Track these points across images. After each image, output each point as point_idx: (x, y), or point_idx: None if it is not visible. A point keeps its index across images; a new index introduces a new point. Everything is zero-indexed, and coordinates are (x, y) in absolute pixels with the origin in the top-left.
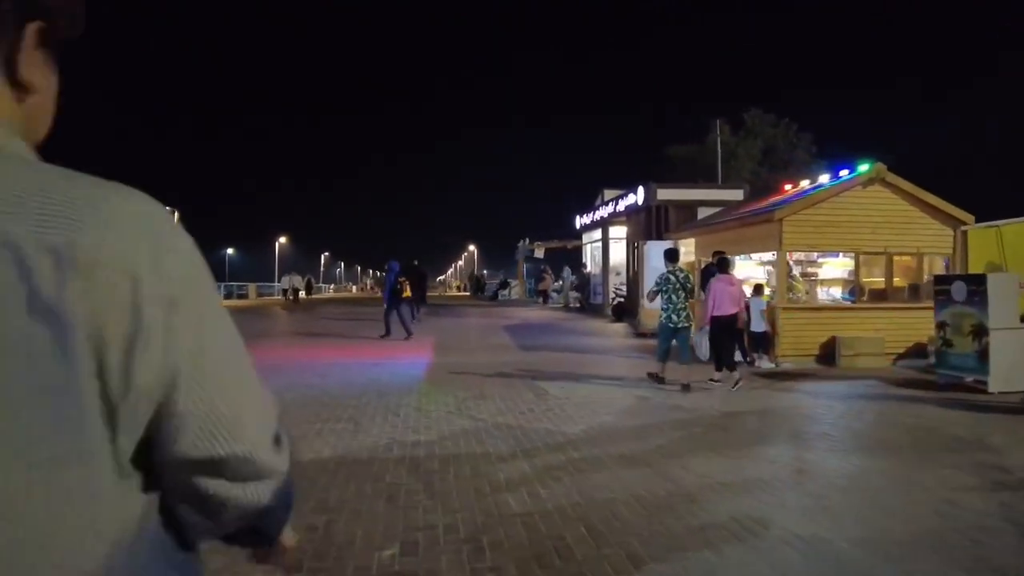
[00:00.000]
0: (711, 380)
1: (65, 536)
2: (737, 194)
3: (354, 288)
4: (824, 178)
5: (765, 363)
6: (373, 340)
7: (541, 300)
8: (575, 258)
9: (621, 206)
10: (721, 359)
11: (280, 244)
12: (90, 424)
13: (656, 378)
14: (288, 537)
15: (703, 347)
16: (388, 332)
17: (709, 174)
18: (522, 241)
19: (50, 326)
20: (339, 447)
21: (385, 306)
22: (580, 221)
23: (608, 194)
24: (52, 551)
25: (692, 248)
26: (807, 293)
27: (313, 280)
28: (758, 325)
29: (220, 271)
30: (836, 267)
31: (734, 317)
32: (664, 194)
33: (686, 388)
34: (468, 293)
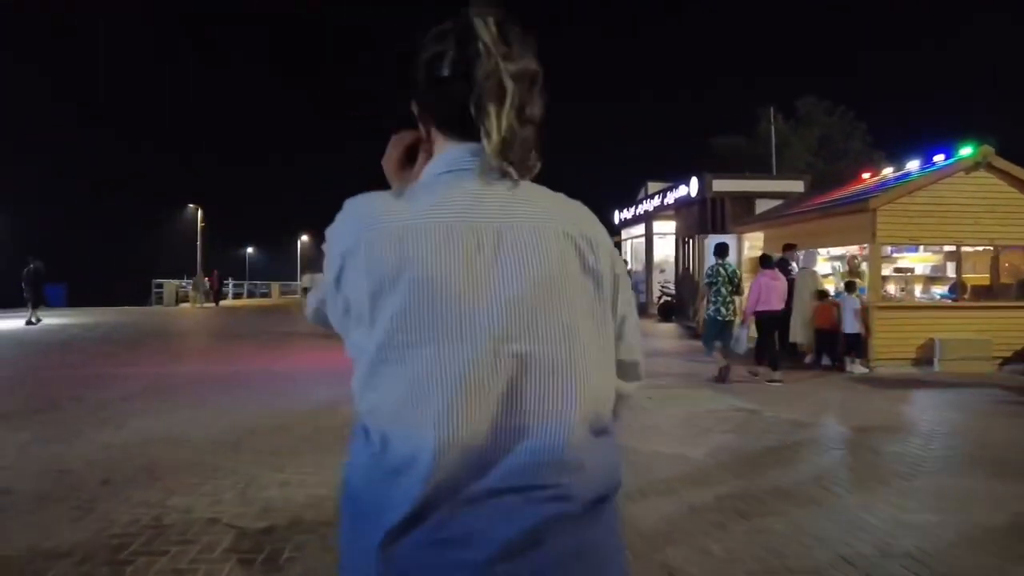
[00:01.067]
0: (771, 381)
1: (608, 392)
2: (797, 185)
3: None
4: (913, 164)
5: (858, 368)
6: None
7: None
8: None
9: (670, 199)
10: (768, 356)
11: (302, 242)
12: (610, 330)
13: (720, 375)
14: None
15: (742, 342)
16: None
17: (758, 166)
18: None
19: (592, 278)
20: None
21: None
22: (619, 216)
23: (652, 187)
24: (607, 403)
25: (759, 242)
26: (903, 291)
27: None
28: (851, 326)
29: (240, 270)
30: (913, 261)
31: (779, 313)
32: (720, 185)
33: (722, 379)
34: None
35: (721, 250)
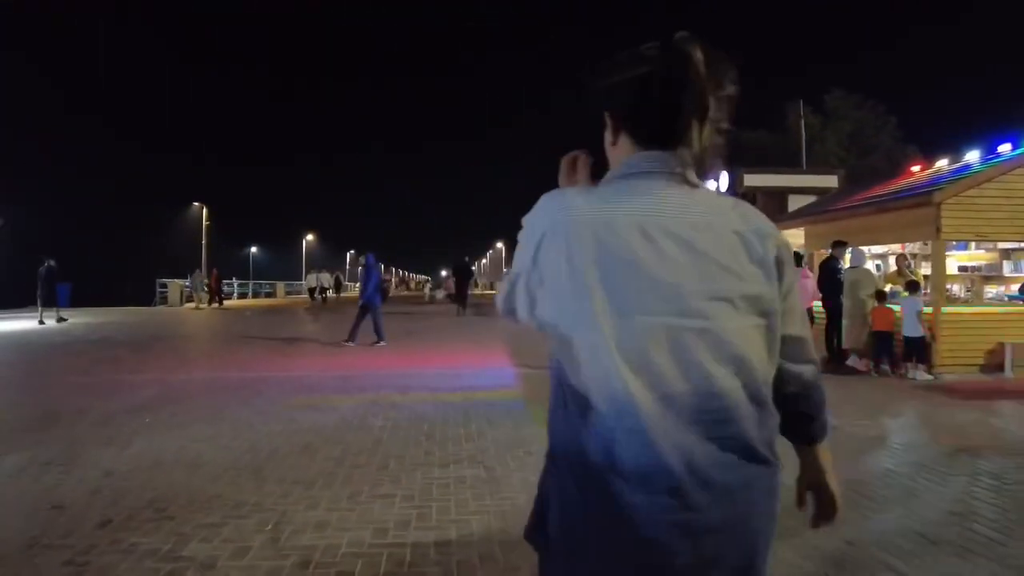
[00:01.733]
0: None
1: (768, 368)
2: (830, 180)
3: None
4: (973, 156)
5: (921, 374)
6: (439, 345)
7: None
8: None
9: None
10: None
11: (307, 241)
12: (775, 308)
13: None
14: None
15: None
16: (381, 337)
17: (785, 161)
18: None
19: (761, 266)
20: (486, 504)
21: (363, 304)
22: None
23: None
24: (767, 375)
25: (799, 239)
26: (970, 291)
27: (342, 277)
28: (914, 329)
29: (244, 269)
30: (961, 259)
31: (808, 312)
32: (752, 180)
33: None
34: (495, 292)
35: None
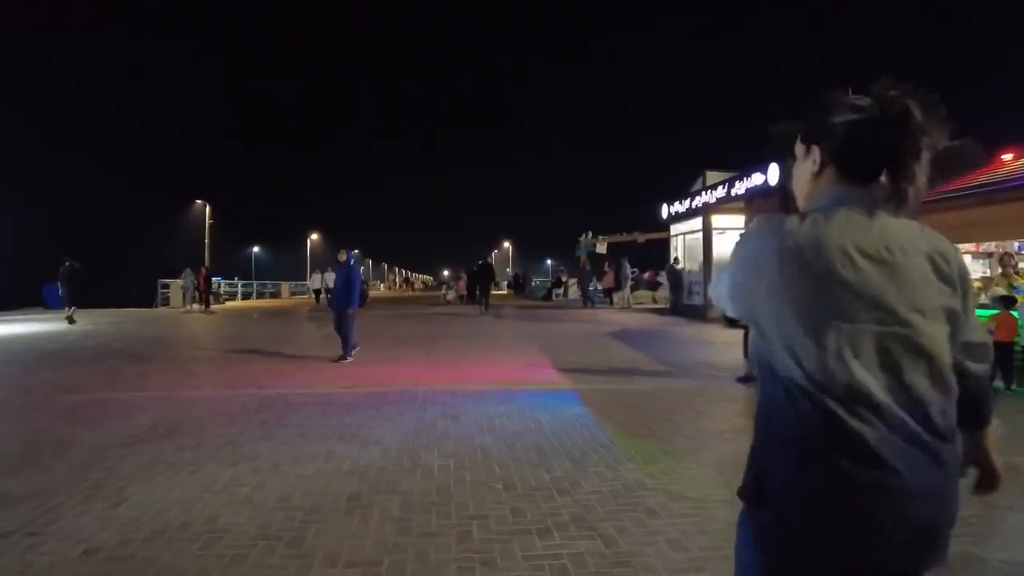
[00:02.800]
0: None
1: (950, 366)
2: None
3: (382, 286)
4: None
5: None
6: (473, 352)
7: (608, 301)
8: (652, 252)
9: (740, 188)
10: None
11: (312, 241)
12: (959, 318)
13: (747, 379)
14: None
15: None
16: (351, 347)
17: None
18: (584, 235)
19: (947, 282)
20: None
21: (339, 310)
22: (669, 210)
23: (712, 177)
24: (950, 373)
25: None
26: None
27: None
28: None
29: (247, 269)
30: None
31: None
32: None
33: (746, 380)
34: (506, 292)
35: None
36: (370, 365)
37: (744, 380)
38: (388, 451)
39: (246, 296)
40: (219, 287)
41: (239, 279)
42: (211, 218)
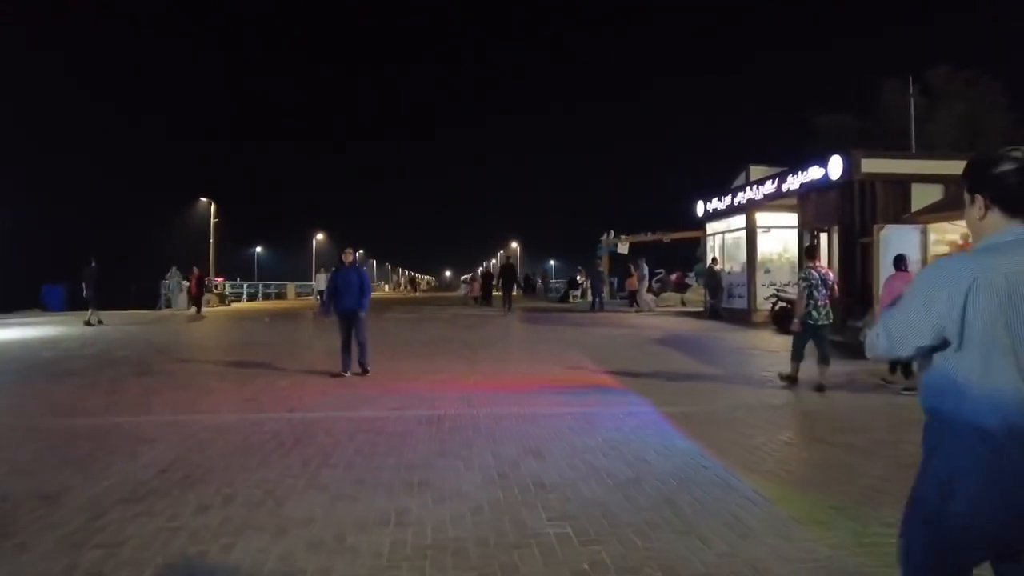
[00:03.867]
0: (906, 390)
1: None
2: (957, 166)
3: (386, 287)
4: None
5: None
6: (517, 359)
7: (631, 304)
8: (680, 252)
9: (792, 184)
10: (902, 361)
11: (317, 241)
12: None
13: (789, 379)
14: None
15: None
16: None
17: (873, 147)
18: (606, 235)
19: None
20: None
21: (350, 315)
22: (705, 207)
23: (756, 172)
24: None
25: (952, 235)
26: None
27: None
28: None
29: (248, 269)
30: None
31: None
32: (870, 166)
33: (820, 389)
34: (515, 293)
35: (811, 252)
36: (410, 379)
37: (786, 379)
38: (478, 510)
39: (251, 297)
40: (224, 288)
41: (240, 280)
42: (216, 216)
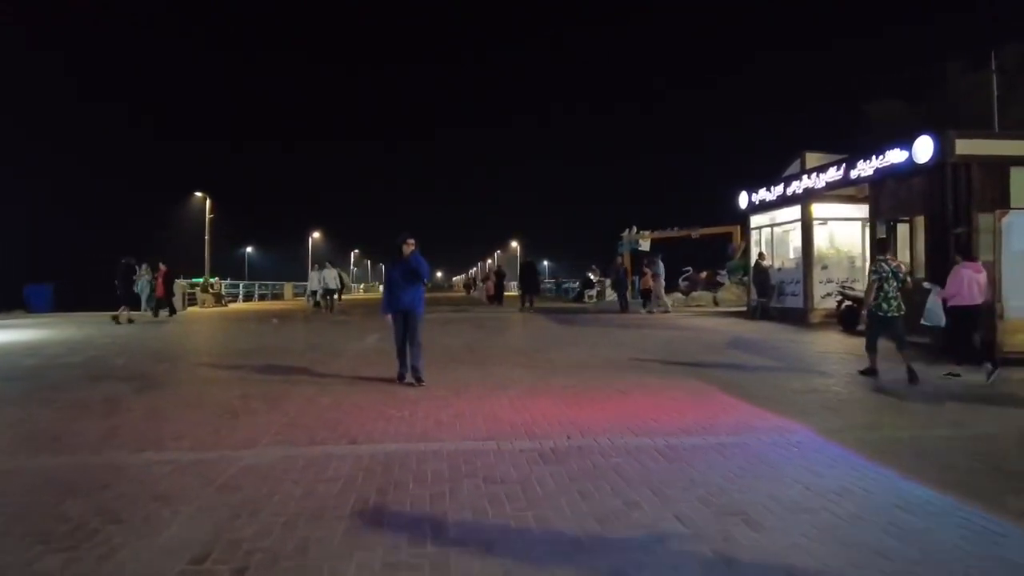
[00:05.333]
0: (950, 374)
1: None
2: None
3: (381, 288)
4: None
5: None
6: (579, 371)
7: (644, 304)
8: (711, 248)
9: (864, 169)
10: (963, 350)
11: (314, 239)
12: None
13: (869, 372)
14: None
15: (937, 313)
16: (408, 375)
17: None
18: (627, 230)
19: None
20: None
21: (407, 314)
22: (750, 198)
23: (811, 159)
24: None
25: None
26: None
27: (346, 276)
28: None
29: (240, 270)
30: None
31: (978, 308)
32: (966, 147)
33: (912, 375)
34: (515, 293)
35: (882, 246)
36: (474, 393)
37: (867, 373)
38: None
39: (247, 297)
40: (220, 287)
41: (230, 279)
42: (211, 212)
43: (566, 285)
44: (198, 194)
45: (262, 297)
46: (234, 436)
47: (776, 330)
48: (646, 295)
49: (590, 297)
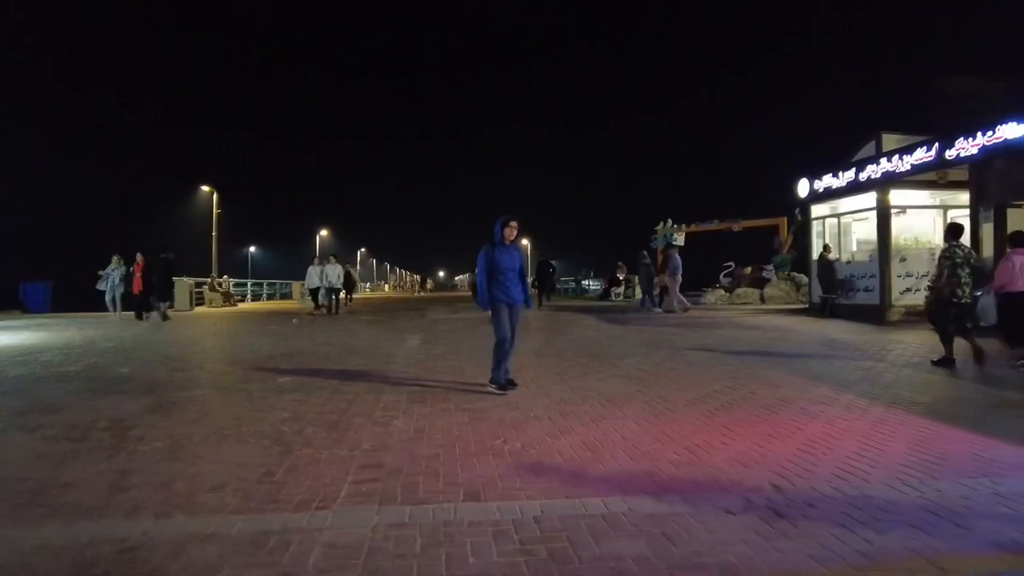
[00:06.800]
0: (1019, 363)
1: None
2: None
3: (386, 286)
4: None
5: None
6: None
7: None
8: (758, 241)
9: (966, 148)
10: (1014, 338)
11: (321, 237)
12: None
13: (945, 362)
14: None
15: (990, 310)
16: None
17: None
18: (662, 223)
19: None
20: None
21: (515, 307)
22: (813, 186)
23: (889, 141)
24: None
25: None
26: None
27: (354, 272)
28: None
29: (243, 268)
30: None
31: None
32: None
33: (979, 355)
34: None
35: (955, 231)
36: (586, 412)
37: (941, 364)
38: None
39: (256, 296)
40: (228, 286)
41: (230, 277)
42: (218, 207)
43: (585, 283)
44: (204, 188)
45: (270, 297)
46: (297, 485)
47: (858, 330)
48: (660, 292)
49: (617, 295)
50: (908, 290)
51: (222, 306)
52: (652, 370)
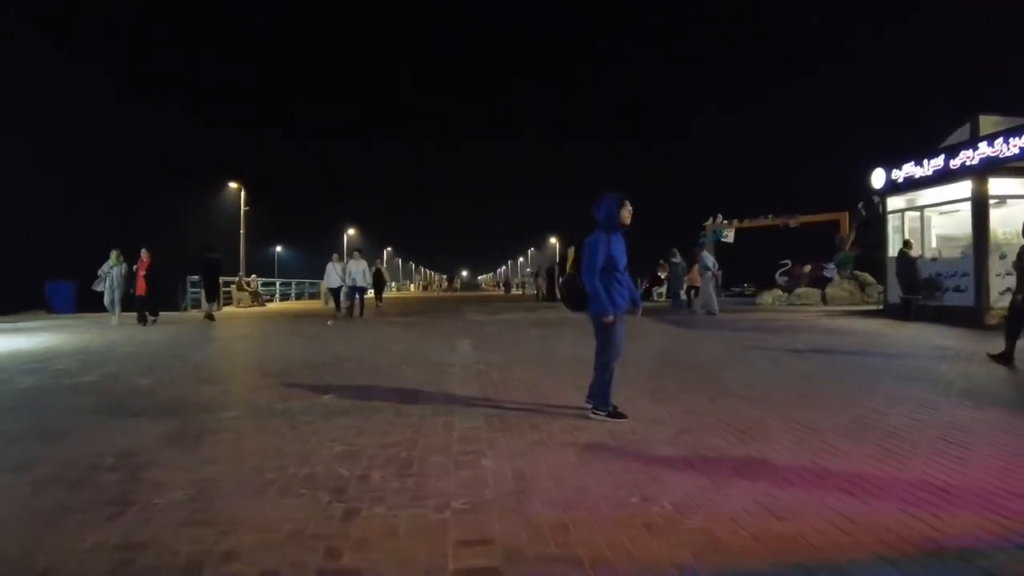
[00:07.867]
0: None
1: None
2: None
3: (411, 286)
4: None
5: None
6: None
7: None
8: (816, 237)
9: None
10: None
11: (348, 236)
12: None
13: (1003, 358)
14: None
15: None
16: (606, 403)
17: None
18: (711, 218)
19: None
20: None
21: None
22: (889, 176)
23: (986, 124)
24: None
25: None
26: None
27: (384, 270)
28: None
29: (269, 268)
30: None
31: None
32: None
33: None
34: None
35: None
36: (735, 456)
37: (999, 359)
38: None
39: (284, 296)
40: (256, 286)
41: (257, 277)
42: (246, 204)
43: None
44: (232, 185)
45: (297, 296)
46: (372, 567)
47: (957, 335)
48: (688, 292)
49: (659, 295)
50: (1008, 290)
51: (250, 306)
52: (762, 385)
